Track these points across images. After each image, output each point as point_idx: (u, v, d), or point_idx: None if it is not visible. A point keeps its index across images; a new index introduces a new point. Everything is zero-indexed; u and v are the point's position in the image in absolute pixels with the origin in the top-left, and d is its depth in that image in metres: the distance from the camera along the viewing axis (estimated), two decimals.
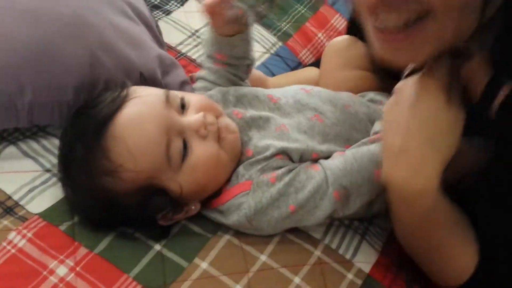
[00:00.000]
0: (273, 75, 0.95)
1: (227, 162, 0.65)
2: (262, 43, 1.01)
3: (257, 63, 0.96)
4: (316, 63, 0.94)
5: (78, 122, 0.63)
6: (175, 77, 0.80)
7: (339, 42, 0.88)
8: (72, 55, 0.69)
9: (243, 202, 0.63)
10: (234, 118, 0.69)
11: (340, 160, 0.64)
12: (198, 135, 0.63)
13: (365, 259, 0.68)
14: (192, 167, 0.62)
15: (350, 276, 0.65)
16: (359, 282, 0.65)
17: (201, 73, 0.78)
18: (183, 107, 0.66)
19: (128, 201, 0.61)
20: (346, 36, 0.88)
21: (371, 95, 0.80)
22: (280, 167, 0.64)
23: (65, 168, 0.64)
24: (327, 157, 0.67)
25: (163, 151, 0.61)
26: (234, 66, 0.77)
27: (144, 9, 0.85)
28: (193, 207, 0.64)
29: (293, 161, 0.66)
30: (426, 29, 0.48)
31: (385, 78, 0.89)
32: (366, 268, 0.67)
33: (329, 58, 0.87)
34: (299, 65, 1.01)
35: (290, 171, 0.64)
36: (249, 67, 0.79)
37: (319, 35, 1.09)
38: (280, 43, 1.03)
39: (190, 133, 0.63)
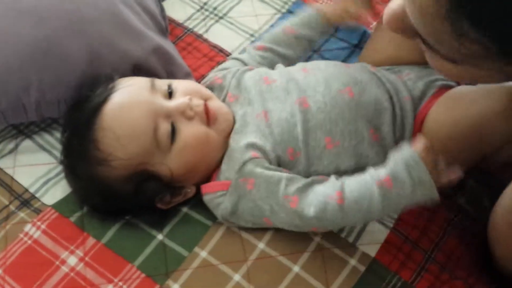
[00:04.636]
0: None
1: (217, 142, 0.66)
2: (271, 3, 0.93)
3: (267, 25, 0.89)
4: None
5: (73, 116, 0.66)
6: (179, 68, 0.79)
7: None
8: (74, 52, 0.70)
9: (221, 202, 0.64)
10: (226, 101, 0.70)
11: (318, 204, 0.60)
12: (185, 117, 0.64)
13: (372, 240, 0.66)
14: (180, 148, 0.63)
15: (352, 262, 0.65)
16: (362, 268, 0.64)
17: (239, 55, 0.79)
18: (170, 93, 0.66)
19: (123, 188, 0.63)
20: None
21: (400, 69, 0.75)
22: (258, 167, 0.63)
23: (66, 160, 0.67)
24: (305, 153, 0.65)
25: (151, 136, 0.62)
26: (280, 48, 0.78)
27: None
28: (189, 190, 0.66)
29: (269, 159, 0.64)
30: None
31: None
32: (372, 251, 0.66)
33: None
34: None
35: (268, 183, 0.62)
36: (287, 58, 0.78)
37: None
38: None
39: (177, 116, 0.64)
